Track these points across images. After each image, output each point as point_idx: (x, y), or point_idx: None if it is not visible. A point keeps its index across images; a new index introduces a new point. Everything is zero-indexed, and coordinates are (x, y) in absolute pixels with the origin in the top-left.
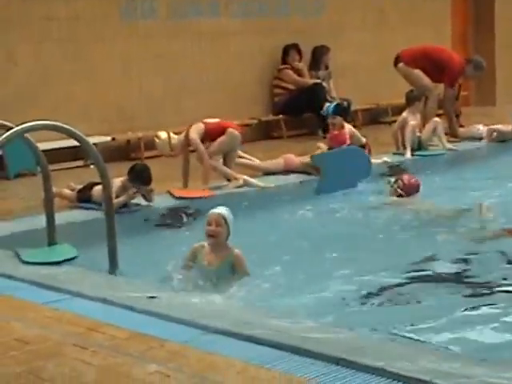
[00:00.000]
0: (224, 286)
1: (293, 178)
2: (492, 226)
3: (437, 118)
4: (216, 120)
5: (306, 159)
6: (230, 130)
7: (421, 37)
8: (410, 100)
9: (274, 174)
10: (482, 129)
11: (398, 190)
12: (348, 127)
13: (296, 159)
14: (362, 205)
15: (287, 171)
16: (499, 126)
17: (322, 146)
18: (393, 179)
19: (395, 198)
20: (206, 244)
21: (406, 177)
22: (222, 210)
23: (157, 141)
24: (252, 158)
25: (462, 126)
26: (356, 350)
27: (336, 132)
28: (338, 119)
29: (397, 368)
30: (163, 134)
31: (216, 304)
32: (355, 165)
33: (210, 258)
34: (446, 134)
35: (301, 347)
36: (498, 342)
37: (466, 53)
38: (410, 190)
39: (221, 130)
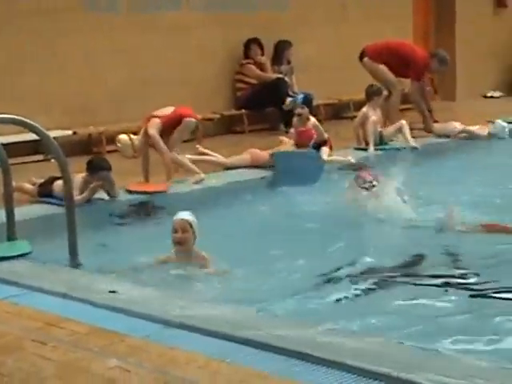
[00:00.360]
0: (187, 283)
1: (254, 174)
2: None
3: (403, 121)
4: (170, 108)
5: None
6: (186, 119)
7: (383, 32)
8: (370, 95)
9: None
10: (458, 127)
11: (360, 186)
12: (313, 120)
13: (263, 153)
14: (323, 200)
15: (254, 166)
16: (475, 128)
17: (285, 140)
18: (354, 175)
19: (358, 193)
20: (171, 253)
21: (364, 173)
22: (185, 215)
23: (119, 145)
24: (216, 155)
25: (436, 121)
26: (318, 344)
27: (303, 128)
28: (306, 110)
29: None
30: (124, 137)
31: (177, 299)
32: (309, 169)
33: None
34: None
35: (262, 341)
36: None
37: (427, 48)
38: (369, 184)
39: (177, 120)
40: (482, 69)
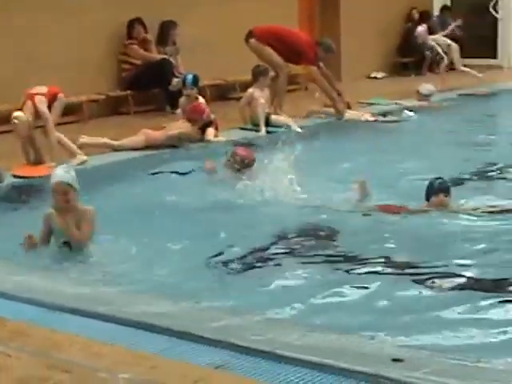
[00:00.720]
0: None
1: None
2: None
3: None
4: (43, 87)
5: (170, 132)
6: (60, 95)
7: (268, 14)
8: (256, 75)
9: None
10: (365, 116)
11: (235, 165)
12: (201, 100)
13: (157, 134)
14: (204, 180)
15: (149, 147)
16: (350, 113)
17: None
18: (229, 153)
19: (233, 172)
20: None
21: (239, 150)
22: (61, 175)
23: (15, 122)
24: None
25: (349, 107)
26: (202, 324)
27: (195, 103)
28: (195, 90)
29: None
30: (21, 114)
31: (57, 282)
32: None
33: (62, 221)
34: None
35: (145, 322)
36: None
37: (312, 31)
38: (246, 162)
39: (54, 97)
40: (367, 50)
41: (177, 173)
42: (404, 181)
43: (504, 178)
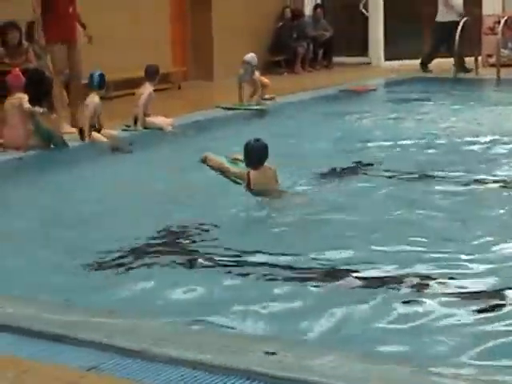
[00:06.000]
0: None
1: None
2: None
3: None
4: None
5: None
6: None
7: (140, 14)
8: (152, 73)
9: None
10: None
11: None
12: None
13: None
14: None
15: None
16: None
17: None
18: None
19: None
20: None
21: None
22: None
23: None
24: None
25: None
26: (74, 326)
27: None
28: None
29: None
30: None
31: None
32: None
33: None
34: None
35: (17, 326)
36: None
37: (184, 30)
38: None
39: None
40: (239, 48)
41: None
42: None
43: None
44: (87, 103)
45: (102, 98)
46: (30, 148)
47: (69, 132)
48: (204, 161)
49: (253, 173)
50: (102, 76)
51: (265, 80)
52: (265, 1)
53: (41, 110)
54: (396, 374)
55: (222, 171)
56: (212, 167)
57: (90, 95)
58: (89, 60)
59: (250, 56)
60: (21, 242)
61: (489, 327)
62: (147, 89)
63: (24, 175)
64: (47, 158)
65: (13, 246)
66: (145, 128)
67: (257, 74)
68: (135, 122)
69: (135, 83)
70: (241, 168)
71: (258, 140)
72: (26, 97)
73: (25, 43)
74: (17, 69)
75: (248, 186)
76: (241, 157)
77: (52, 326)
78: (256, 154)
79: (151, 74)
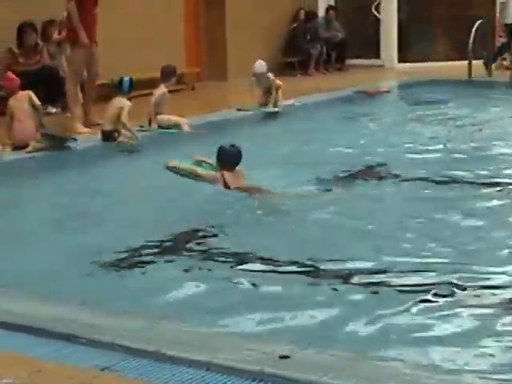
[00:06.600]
0: None
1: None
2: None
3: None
4: None
5: None
6: None
7: (154, 14)
8: (169, 74)
9: None
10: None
11: None
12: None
13: None
14: None
15: None
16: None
17: None
18: None
19: None
20: None
21: None
22: None
23: None
24: None
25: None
26: (89, 326)
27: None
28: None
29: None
30: None
31: None
32: None
33: None
34: None
35: (28, 325)
36: None
37: (198, 30)
38: None
39: None
40: (253, 49)
41: None
42: None
43: None
44: (122, 105)
45: None
46: (38, 146)
47: (83, 132)
48: (169, 167)
49: (227, 174)
50: (131, 81)
51: (277, 81)
52: (279, 2)
53: (53, 109)
54: (411, 377)
55: (192, 173)
56: (178, 171)
57: (122, 99)
58: (102, 60)
59: (259, 65)
60: (34, 242)
61: None
62: (161, 89)
63: (36, 174)
64: (59, 157)
65: (26, 245)
66: (160, 127)
67: (270, 75)
68: (149, 123)
69: (148, 84)
70: (207, 169)
71: (233, 145)
72: (31, 92)
73: (40, 43)
74: (9, 72)
75: (226, 186)
76: (205, 158)
77: (65, 326)
78: (232, 159)
79: (165, 74)
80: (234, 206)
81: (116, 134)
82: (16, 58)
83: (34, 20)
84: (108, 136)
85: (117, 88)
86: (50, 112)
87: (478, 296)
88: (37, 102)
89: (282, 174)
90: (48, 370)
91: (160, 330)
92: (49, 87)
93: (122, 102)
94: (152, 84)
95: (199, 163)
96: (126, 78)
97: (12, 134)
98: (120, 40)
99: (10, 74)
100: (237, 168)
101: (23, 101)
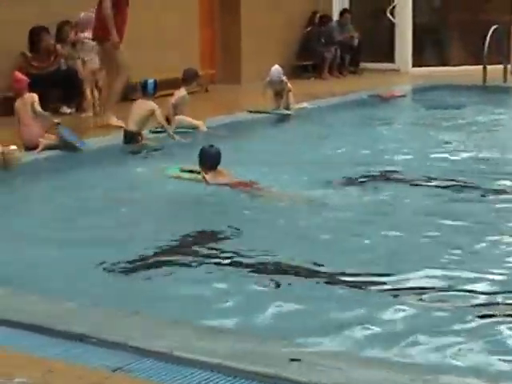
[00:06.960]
0: None
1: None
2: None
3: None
4: None
5: None
6: None
7: (169, 17)
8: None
9: None
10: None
11: None
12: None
13: None
14: None
15: None
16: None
17: None
18: None
19: None
20: None
21: None
22: None
23: None
24: None
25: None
26: (99, 327)
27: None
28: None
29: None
30: None
31: None
32: None
33: None
34: None
35: (40, 325)
36: None
37: (213, 33)
38: None
39: None
40: (267, 52)
41: None
42: None
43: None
44: (152, 108)
45: (133, 100)
46: (46, 147)
47: (119, 125)
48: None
49: (210, 174)
50: (156, 83)
51: (288, 85)
52: (293, 5)
53: (68, 110)
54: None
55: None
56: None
57: (148, 101)
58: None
59: (276, 71)
60: (45, 242)
61: None
62: (181, 92)
63: (49, 175)
64: (71, 158)
65: (37, 246)
66: (177, 128)
67: (284, 78)
68: (168, 124)
69: (165, 85)
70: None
71: (212, 146)
72: (36, 96)
73: (54, 45)
74: (17, 72)
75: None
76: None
77: (78, 326)
78: (213, 159)
79: (187, 77)
80: (239, 207)
81: (140, 138)
82: (29, 62)
83: (48, 24)
84: (131, 137)
85: (141, 90)
86: (64, 112)
87: (487, 302)
88: (38, 108)
89: (291, 175)
90: (60, 370)
91: (173, 331)
92: (66, 88)
93: (150, 105)
94: (168, 85)
95: (188, 171)
96: (151, 80)
97: (20, 135)
98: (136, 42)
99: (18, 75)
100: (219, 167)
101: (28, 104)
